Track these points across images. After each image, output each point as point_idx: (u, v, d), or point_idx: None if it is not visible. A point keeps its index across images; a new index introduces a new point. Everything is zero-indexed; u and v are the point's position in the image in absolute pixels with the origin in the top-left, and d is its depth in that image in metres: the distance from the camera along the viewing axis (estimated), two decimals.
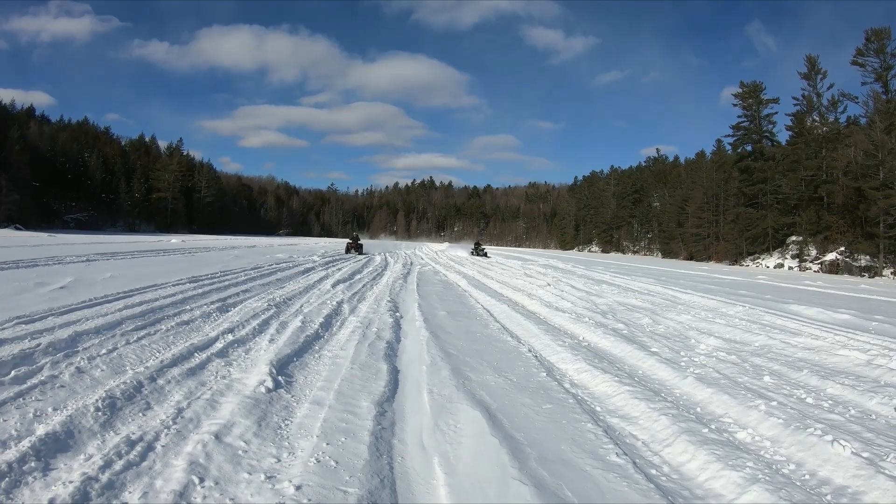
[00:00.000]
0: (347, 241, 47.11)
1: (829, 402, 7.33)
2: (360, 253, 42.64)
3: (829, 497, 4.81)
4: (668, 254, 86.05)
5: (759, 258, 63.23)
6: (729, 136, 72.31)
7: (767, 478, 4.91)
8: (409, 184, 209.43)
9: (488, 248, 63.40)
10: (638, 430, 6.30)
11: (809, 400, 7.36)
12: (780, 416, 6.45)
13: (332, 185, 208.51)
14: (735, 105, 69.87)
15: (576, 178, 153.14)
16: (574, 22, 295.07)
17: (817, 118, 61.18)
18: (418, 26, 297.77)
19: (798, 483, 4.98)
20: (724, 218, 71.45)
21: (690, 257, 75.70)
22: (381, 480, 4.67)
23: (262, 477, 4.53)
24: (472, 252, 52.67)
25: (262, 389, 6.51)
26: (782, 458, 5.57)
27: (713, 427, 6.26)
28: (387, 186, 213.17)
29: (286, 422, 5.77)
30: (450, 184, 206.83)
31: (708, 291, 21.36)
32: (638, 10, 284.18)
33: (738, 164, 69.63)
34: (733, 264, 64.27)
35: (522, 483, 4.53)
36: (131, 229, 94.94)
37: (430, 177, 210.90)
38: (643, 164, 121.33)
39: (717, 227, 72.84)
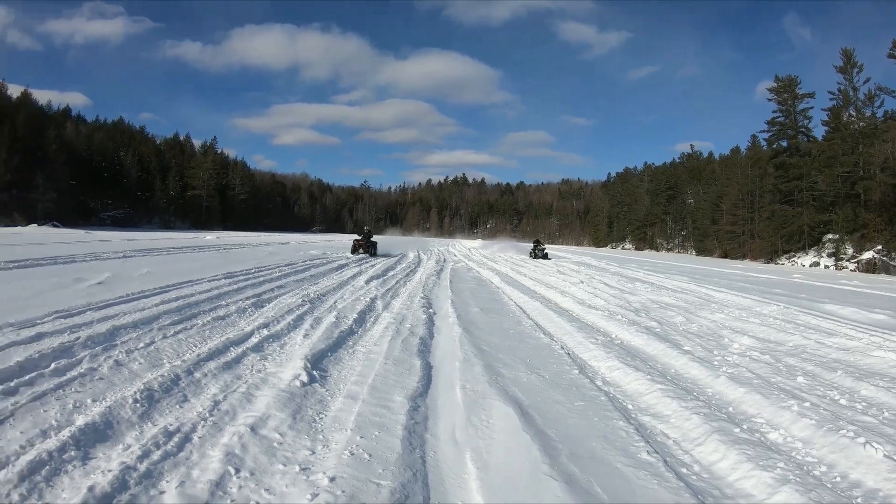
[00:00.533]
0: (355, 237, 37.60)
1: (863, 403, 7.23)
2: (373, 254, 33.51)
3: (859, 500, 4.77)
4: (702, 251, 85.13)
5: (794, 256, 62.33)
6: (764, 131, 71.05)
7: (798, 479, 4.89)
8: (442, 180, 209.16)
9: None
10: (669, 429, 6.28)
11: (843, 401, 7.28)
12: (812, 417, 6.40)
13: (365, 181, 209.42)
14: (770, 100, 69.03)
15: (609, 174, 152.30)
16: (607, 16, 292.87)
17: (854, 113, 60.24)
18: (449, 23, 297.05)
19: (829, 485, 4.94)
20: (760, 215, 70.15)
21: (725, 255, 74.79)
22: (414, 474, 4.71)
23: (297, 468, 4.59)
24: (531, 253, 44.20)
25: (297, 383, 6.60)
26: (814, 459, 5.53)
27: (745, 427, 6.22)
28: (420, 183, 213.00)
29: (320, 415, 5.83)
30: (482, 180, 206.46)
31: (742, 290, 21.25)
32: (672, 3, 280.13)
33: (774, 161, 68.30)
34: (768, 262, 63.51)
35: (553, 479, 4.56)
36: (167, 226, 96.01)
37: (463, 174, 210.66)
38: (677, 160, 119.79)
39: (752, 225, 71.66)
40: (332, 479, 4.41)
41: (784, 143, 68.13)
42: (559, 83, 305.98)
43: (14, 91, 78.77)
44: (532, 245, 46.74)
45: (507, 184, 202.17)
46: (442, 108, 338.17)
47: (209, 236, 55.13)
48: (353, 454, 4.89)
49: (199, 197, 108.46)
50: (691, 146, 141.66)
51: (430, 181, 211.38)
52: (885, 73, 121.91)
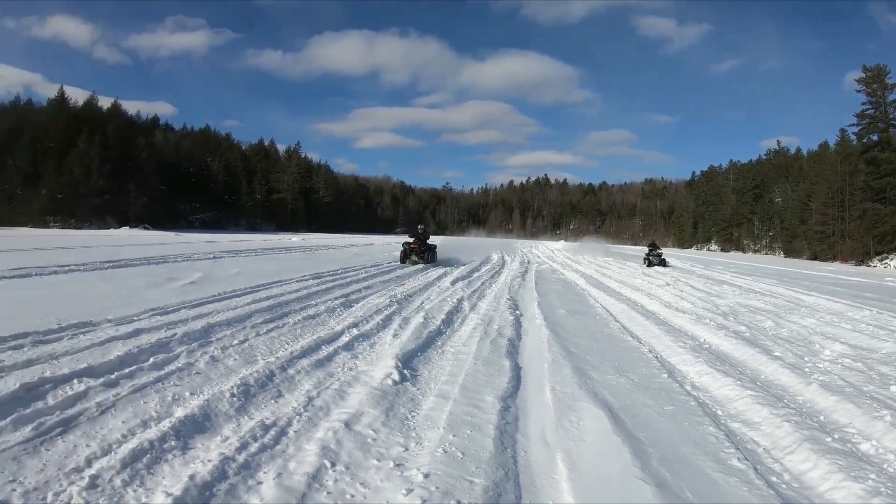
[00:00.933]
0: (405, 241, 27.14)
1: None
2: (430, 261, 25.95)
3: None
4: (790, 253, 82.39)
5: (887, 258, 59.70)
6: (853, 125, 66.56)
7: (890, 492, 4.76)
8: (524, 181, 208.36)
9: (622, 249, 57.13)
10: (759, 436, 6.18)
11: None
12: None
13: (447, 183, 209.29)
14: (858, 91, 64.52)
15: (693, 173, 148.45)
16: (686, 10, 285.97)
17: None
18: (526, 22, 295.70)
19: None
20: (850, 214, 66.86)
21: (814, 257, 72.26)
22: (506, 473, 4.76)
23: (391, 464, 4.68)
24: (646, 261, 35.70)
25: (389, 382, 6.72)
26: None
27: (836, 437, 6.06)
28: (502, 184, 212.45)
29: (412, 413, 5.94)
30: (565, 181, 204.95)
31: (833, 294, 20.60)
32: None
33: (864, 156, 64.28)
34: (859, 264, 61.03)
35: (645, 482, 4.56)
36: (253, 228, 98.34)
37: (545, 174, 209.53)
38: (763, 157, 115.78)
39: (843, 225, 68.74)
40: (426, 476, 4.49)
41: (875, 137, 63.93)
42: (640, 80, 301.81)
43: (104, 103, 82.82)
44: (647, 250, 37.58)
45: (590, 184, 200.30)
46: (522, 109, 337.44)
47: (294, 238, 56.50)
48: (446, 452, 4.97)
49: (284, 200, 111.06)
50: (778, 142, 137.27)
51: (511, 182, 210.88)
52: None
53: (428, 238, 27.01)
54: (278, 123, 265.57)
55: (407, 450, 5.02)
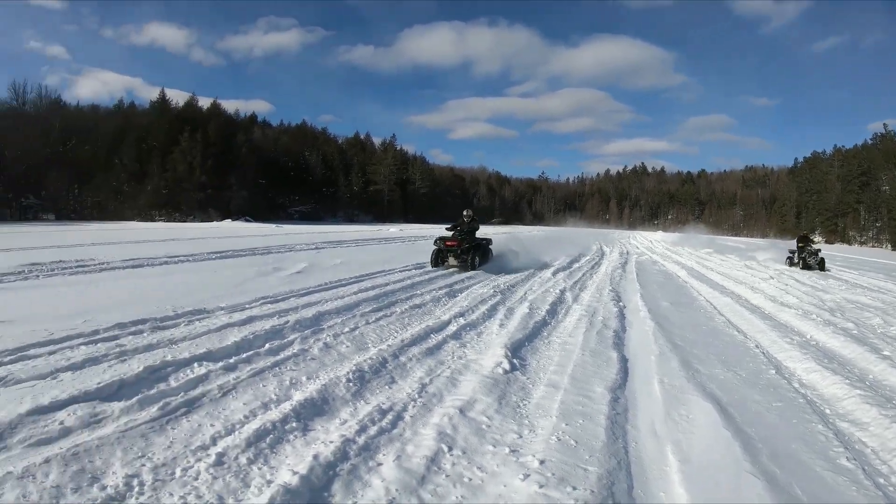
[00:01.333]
0: (441, 235, 18.62)
1: None
2: (475, 266, 17.37)
3: None
4: None
5: None
6: None
7: None
8: (621, 170, 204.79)
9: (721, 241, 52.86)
10: (867, 437, 6.11)
11: None
12: None
13: (542, 173, 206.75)
14: None
15: (796, 159, 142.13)
16: None
17: None
18: (617, 6, 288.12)
19: None
20: None
21: None
22: (618, 462, 4.86)
23: (507, 450, 4.83)
24: (796, 260, 26.69)
25: (500, 371, 6.87)
26: None
27: None
28: (598, 173, 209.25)
29: (524, 402, 6.06)
30: (662, 169, 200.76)
31: None
32: None
33: None
34: None
35: (755, 477, 4.59)
36: (350, 220, 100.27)
37: (642, 163, 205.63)
38: (869, 141, 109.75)
39: None
40: (541, 462, 4.62)
41: None
42: (738, 62, 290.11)
43: (204, 102, 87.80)
44: (797, 245, 27.13)
45: (688, 172, 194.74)
46: (616, 95, 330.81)
47: (392, 229, 57.34)
48: (559, 440, 5.09)
49: (380, 192, 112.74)
50: (884, 125, 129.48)
51: (608, 171, 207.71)
52: None
53: (476, 230, 19.07)
54: (373, 117, 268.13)
55: (521, 437, 5.16)
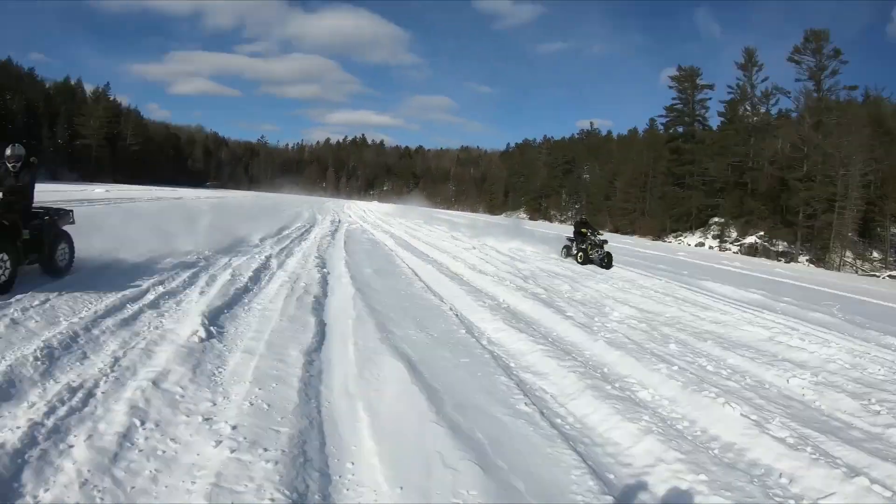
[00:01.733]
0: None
1: (728, 370, 8.03)
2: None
3: (716, 451, 5.41)
4: (595, 225, 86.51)
5: (681, 236, 65.68)
6: (662, 116, 76.68)
7: (661, 431, 5.48)
8: (341, 140, 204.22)
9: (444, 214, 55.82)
10: (547, 385, 6.82)
11: (710, 367, 8.04)
12: (679, 379, 7.10)
13: (262, 137, 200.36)
14: (671, 87, 74.27)
15: (508, 144, 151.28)
16: None
17: (749, 108, 66.04)
18: None
19: (689, 437, 5.58)
20: (651, 195, 74.23)
21: (616, 230, 76.40)
22: (310, 422, 5.03)
23: (200, 419, 4.83)
24: (574, 251, 21.47)
25: (195, 339, 6.72)
26: (678, 415, 6.19)
27: (617, 385, 6.84)
28: (318, 142, 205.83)
29: (219, 369, 6.03)
30: (381, 142, 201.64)
31: (628, 264, 22.07)
32: None
33: (669, 145, 73.40)
34: (656, 240, 66.05)
35: (439, 425, 4.97)
36: (53, 177, 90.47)
37: (363, 134, 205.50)
38: (576, 135, 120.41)
39: (644, 203, 75.07)
40: (234, 427, 4.68)
41: (680, 130, 73.87)
42: (468, 51, 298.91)
43: None
44: (574, 230, 22.27)
45: (407, 147, 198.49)
46: (347, 66, 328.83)
47: (98, 189, 50.64)
48: (252, 404, 5.16)
49: (88, 147, 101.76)
50: (591, 123, 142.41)
51: (329, 140, 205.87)
52: (782, 74, 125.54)
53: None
54: (89, 60, 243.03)
55: (215, 404, 5.16)
